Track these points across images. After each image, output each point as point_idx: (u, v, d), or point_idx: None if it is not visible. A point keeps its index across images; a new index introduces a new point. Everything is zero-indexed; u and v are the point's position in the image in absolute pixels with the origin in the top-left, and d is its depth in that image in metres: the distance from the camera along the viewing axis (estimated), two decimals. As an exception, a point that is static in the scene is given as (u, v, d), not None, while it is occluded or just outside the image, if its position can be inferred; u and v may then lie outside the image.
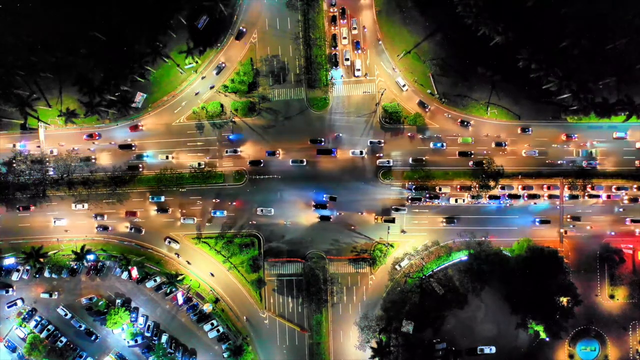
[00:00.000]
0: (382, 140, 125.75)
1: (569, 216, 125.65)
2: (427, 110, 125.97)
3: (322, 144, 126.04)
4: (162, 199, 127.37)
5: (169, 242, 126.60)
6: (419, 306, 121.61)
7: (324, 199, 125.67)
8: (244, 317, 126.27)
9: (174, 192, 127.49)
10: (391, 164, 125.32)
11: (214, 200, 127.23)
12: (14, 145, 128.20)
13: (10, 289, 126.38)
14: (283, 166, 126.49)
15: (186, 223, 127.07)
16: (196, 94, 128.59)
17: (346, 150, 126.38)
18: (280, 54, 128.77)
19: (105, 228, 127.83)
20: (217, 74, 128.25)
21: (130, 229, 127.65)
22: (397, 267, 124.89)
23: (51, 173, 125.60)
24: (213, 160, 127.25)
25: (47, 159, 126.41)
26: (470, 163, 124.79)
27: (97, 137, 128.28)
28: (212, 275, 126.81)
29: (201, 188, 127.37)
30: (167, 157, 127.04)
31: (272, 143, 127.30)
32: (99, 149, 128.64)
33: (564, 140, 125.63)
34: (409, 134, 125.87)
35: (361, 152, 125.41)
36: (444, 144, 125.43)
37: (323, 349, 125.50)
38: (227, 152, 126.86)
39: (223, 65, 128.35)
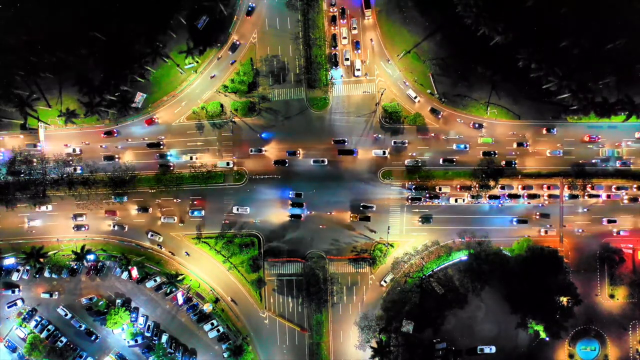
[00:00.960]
0: (406, 141, 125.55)
1: (537, 214, 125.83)
2: (439, 117, 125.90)
3: (346, 144, 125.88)
4: (125, 199, 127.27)
5: (152, 235, 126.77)
6: (419, 306, 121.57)
7: (290, 195, 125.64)
8: (229, 298, 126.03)
9: (142, 193, 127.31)
10: (420, 164, 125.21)
11: (174, 200, 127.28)
12: (35, 146, 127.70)
13: (17, 290, 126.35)
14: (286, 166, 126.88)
15: (167, 222, 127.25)
16: (212, 77, 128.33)
17: (368, 150, 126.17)
18: (280, 54, 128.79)
19: (81, 227, 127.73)
20: (233, 52, 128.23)
21: (113, 226, 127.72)
22: (382, 283, 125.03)
23: (79, 171, 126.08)
24: (241, 159, 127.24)
25: (71, 158, 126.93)
26: (503, 163, 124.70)
27: (115, 134, 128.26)
28: (187, 254, 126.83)
29: (201, 188, 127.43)
30: (191, 158, 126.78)
31: (293, 143, 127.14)
32: (125, 147, 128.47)
33: (587, 140, 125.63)
34: (432, 134, 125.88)
35: (384, 152, 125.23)
36: (467, 146, 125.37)
37: (323, 349, 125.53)
38: (251, 151, 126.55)
39: (238, 43, 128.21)
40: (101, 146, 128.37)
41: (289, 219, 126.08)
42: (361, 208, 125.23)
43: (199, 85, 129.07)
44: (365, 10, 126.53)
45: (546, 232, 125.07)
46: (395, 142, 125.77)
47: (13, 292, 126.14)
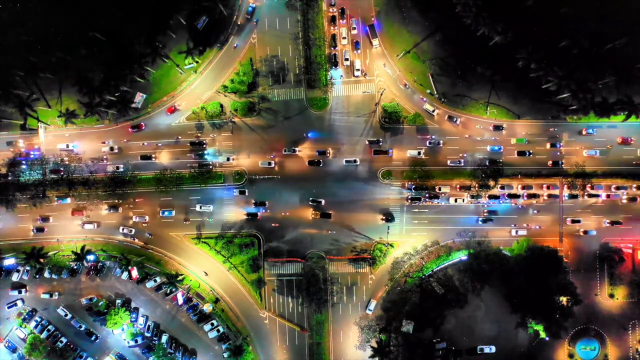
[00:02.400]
0: (441, 141, 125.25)
1: (485, 212, 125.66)
2: (457, 123, 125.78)
3: (380, 143, 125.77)
4: (68, 200, 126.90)
5: (123, 229, 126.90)
6: (419, 306, 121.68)
7: (234, 193, 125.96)
8: (204, 272, 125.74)
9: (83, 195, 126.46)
10: (462, 164, 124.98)
11: (115, 201, 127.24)
12: (68, 145, 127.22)
13: (24, 290, 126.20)
14: (286, 167, 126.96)
15: (138, 221, 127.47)
16: (235, 46, 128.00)
17: (402, 150, 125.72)
18: (279, 54, 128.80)
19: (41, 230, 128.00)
20: (250, 17, 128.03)
21: (82, 226, 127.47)
22: (367, 310, 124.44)
23: (121, 169, 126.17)
24: (282, 159, 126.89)
25: (105, 157, 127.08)
26: (550, 162, 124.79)
27: (143, 127, 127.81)
28: (151, 236, 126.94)
29: (201, 189, 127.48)
30: (228, 159, 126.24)
31: (326, 143, 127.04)
32: (165, 145, 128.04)
33: (619, 143, 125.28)
34: (466, 136, 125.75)
35: (419, 153, 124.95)
36: (501, 147, 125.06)
37: (323, 349, 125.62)
38: (285, 151, 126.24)
39: (253, 5, 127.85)
40: (143, 144, 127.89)
41: (245, 217, 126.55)
42: (310, 202, 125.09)
43: (199, 85, 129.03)
44: (373, 40, 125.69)
45: (517, 232, 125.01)
46: (430, 142, 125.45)
47: (20, 292, 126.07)
